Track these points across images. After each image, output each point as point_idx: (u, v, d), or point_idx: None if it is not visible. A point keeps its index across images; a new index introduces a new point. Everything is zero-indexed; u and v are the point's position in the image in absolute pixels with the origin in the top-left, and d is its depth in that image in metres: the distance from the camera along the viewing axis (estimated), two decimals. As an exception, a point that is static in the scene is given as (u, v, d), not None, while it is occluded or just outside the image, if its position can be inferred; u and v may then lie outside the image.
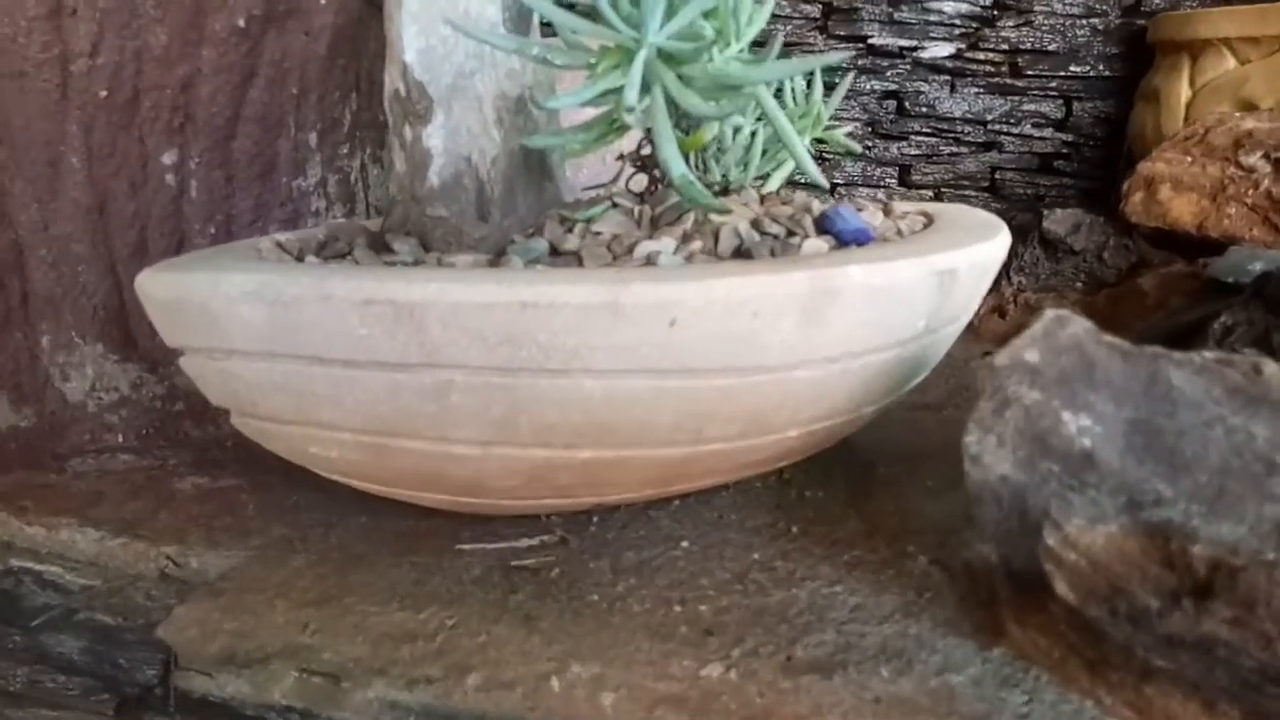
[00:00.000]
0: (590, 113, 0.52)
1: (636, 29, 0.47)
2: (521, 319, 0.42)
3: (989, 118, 1.32)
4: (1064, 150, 1.32)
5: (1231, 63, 1.04)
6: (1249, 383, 0.42)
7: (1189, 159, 0.91)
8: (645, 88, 0.48)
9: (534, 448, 0.46)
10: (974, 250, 0.53)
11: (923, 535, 0.53)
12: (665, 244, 0.50)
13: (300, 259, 0.51)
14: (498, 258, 0.49)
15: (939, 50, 1.31)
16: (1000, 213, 1.30)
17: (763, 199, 0.61)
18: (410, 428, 0.45)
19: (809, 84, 0.65)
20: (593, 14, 0.48)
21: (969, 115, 1.32)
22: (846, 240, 0.55)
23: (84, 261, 0.61)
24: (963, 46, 1.30)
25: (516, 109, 0.57)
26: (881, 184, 1.37)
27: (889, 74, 1.33)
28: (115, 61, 0.59)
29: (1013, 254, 1.04)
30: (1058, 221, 1.00)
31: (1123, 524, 0.41)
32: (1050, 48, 1.28)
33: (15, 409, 0.61)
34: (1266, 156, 0.86)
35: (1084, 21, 1.26)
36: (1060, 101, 1.30)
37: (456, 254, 0.48)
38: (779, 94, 0.64)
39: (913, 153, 1.35)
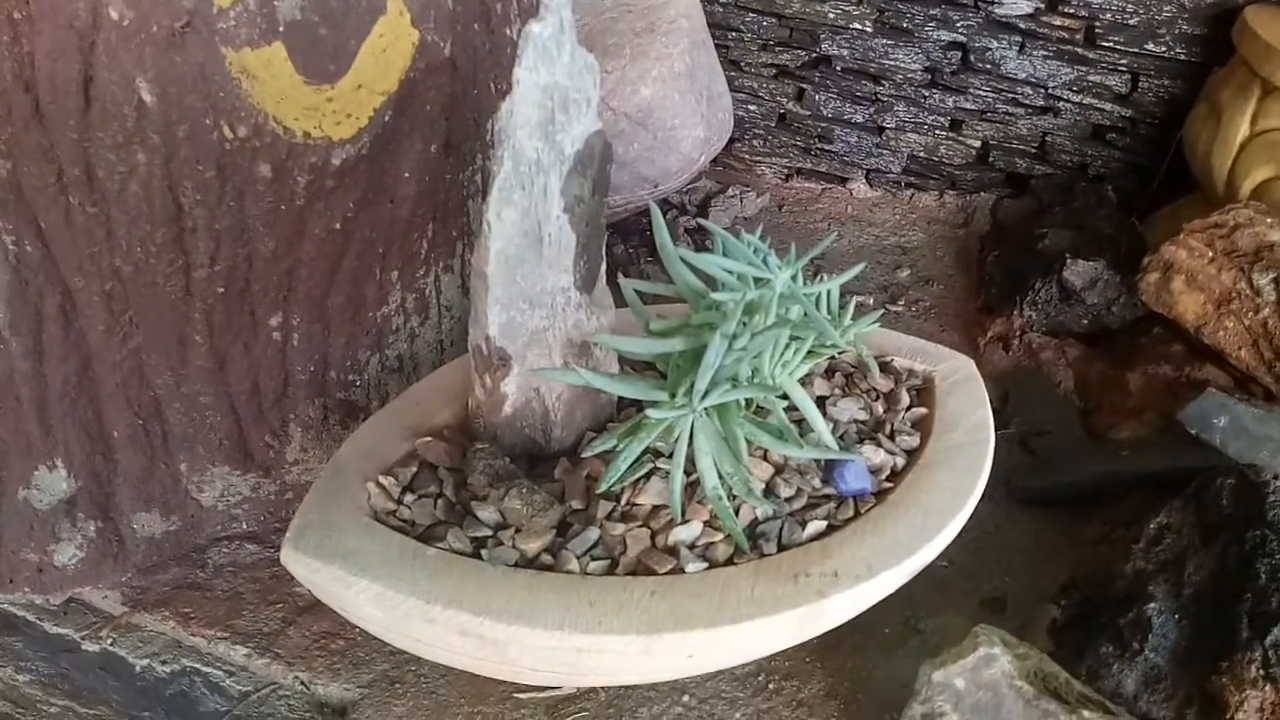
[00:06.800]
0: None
1: (688, 397, 0.56)
2: (578, 655, 0.56)
3: (1052, 84, 1.29)
4: (1120, 124, 1.31)
5: (1294, 121, 1.04)
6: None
7: (1210, 255, 0.96)
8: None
9: (579, 681, 0.62)
10: (949, 529, 0.64)
11: (869, 703, 0.70)
12: (693, 529, 0.62)
13: (400, 501, 0.63)
14: (561, 534, 0.61)
15: (1017, 8, 1.25)
16: (1044, 178, 1.32)
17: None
18: (488, 671, 0.61)
19: (843, 303, 0.71)
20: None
21: (1032, 79, 1.29)
22: (846, 496, 0.67)
23: (209, 408, 0.73)
24: (1041, 6, 1.25)
25: (580, 352, 0.66)
26: (932, 132, 1.37)
27: (959, 25, 1.28)
28: (229, 266, 0.66)
29: (1029, 287, 1.10)
30: (1078, 274, 1.06)
31: None
32: (1131, 21, 1.22)
33: (165, 518, 0.75)
34: (1276, 281, 0.91)
35: (1173, -3, 1.20)
36: (1128, 76, 1.27)
37: (527, 539, 0.60)
38: (817, 302, 0.71)
39: (968, 107, 1.34)
